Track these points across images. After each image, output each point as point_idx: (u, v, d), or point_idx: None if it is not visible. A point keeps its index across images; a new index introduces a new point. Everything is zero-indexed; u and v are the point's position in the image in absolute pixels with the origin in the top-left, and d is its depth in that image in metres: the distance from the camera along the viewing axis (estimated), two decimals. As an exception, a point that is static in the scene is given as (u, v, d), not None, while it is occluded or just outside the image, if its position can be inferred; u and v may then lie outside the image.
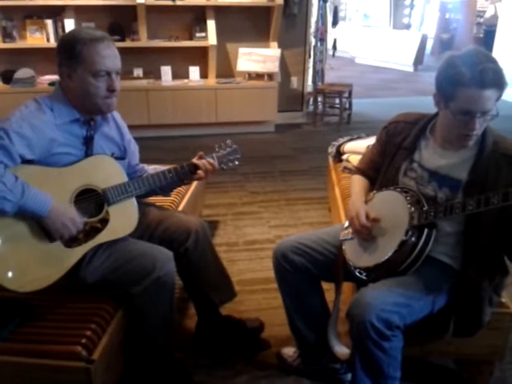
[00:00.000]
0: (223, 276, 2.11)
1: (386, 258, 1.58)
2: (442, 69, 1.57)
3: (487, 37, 9.75)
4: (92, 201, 1.72)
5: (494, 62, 1.49)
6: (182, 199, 2.70)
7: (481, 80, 1.46)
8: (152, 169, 2.23)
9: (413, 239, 1.57)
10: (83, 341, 1.55)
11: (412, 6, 12.78)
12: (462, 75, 1.48)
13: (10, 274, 1.55)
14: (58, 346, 1.54)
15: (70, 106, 1.72)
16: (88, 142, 1.76)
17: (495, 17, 9.53)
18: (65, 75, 1.69)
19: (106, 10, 5.08)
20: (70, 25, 4.91)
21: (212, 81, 5.45)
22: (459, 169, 1.62)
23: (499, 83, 1.48)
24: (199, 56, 5.40)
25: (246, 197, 3.85)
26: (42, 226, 1.61)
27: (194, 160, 1.93)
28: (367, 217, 1.71)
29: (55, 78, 4.84)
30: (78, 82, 1.67)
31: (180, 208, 2.61)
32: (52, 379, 1.56)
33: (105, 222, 1.73)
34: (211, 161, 1.94)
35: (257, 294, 2.53)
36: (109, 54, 1.68)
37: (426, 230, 1.57)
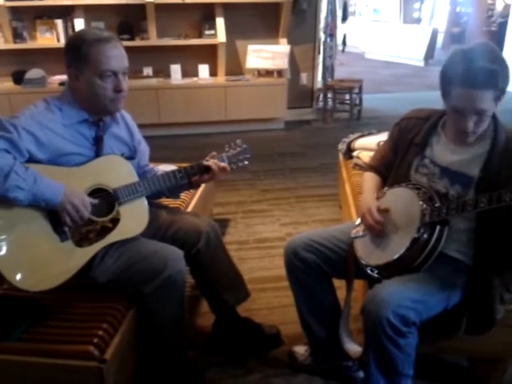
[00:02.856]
0: (236, 276, 2.11)
1: (398, 255, 1.57)
2: (444, 64, 1.57)
3: (501, 29, 9.64)
4: (103, 200, 1.72)
5: (493, 61, 1.46)
6: (192, 198, 2.70)
7: (470, 81, 1.45)
8: (162, 166, 2.25)
9: (425, 236, 1.55)
10: (95, 340, 1.55)
11: (422, 0, 12.67)
12: (455, 74, 1.49)
13: (21, 274, 1.56)
14: (70, 346, 1.54)
15: (78, 106, 1.72)
16: (98, 143, 1.77)
17: (507, 8, 9.41)
18: (72, 76, 1.70)
19: (115, 9, 5.09)
20: (79, 24, 4.94)
21: (221, 78, 5.45)
22: (471, 165, 1.60)
23: (492, 84, 1.46)
24: (208, 54, 5.40)
25: (256, 195, 3.84)
26: (52, 225, 1.62)
27: (205, 161, 1.92)
28: (378, 210, 1.70)
29: (66, 78, 4.85)
30: (85, 83, 1.68)
31: (190, 206, 2.61)
32: (64, 379, 1.56)
33: (116, 221, 1.73)
34: (222, 164, 1.93)
35: (268, 293, 2.53)
36: (115, 55, 1.67)
37: (438, 227, 1.56)
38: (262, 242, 3.09)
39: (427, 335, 1.63)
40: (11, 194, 1.49)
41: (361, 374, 1.90)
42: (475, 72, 1.45)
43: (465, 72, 1.46)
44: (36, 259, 1.59)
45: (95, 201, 1.68)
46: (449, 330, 1.69)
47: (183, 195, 2.56)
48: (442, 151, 1.68)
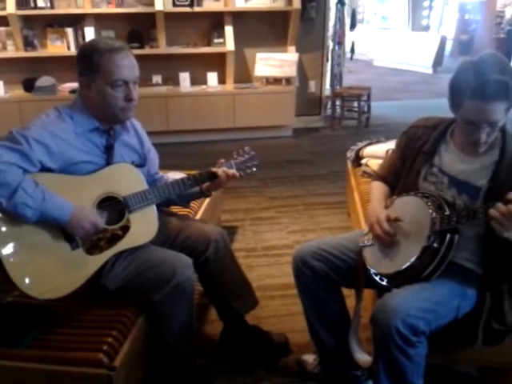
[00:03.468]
0: (245, 284, 2.11)
1: (408, 264, 1.56)
2: (453, 75, 1.58)
3: (509, 36, 9.63)
4: (113, 208, 1.73)
5: (503, 72, 1.47)
6: (200, 205, 2.71)
7: (483, 93, 1.46)
8: (171, 174, 2.26)
9: (435, 245, 1.55)
10: (105, 347, 1.56)
11: (431, 8, 12.68)
12: (466, 86, 1.50)
13: (32, 282, 1.57)
14: (79, 353, 1.55)
15: (89, 114, 1.74)
16: (108, 151, 1.78)
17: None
18: (84, 85, 1.72)
19: (125, 18, 5.14)
20: (90, 33, 4.99)
21: (230, 86, 5.48)
22: (479, 175, 1.60)
23: (504, 95, 1.46)
24: (217, 62, 5.43)
25: (264, 202, 3.84)
26: (63, 234, 1.63)
27: (213, 168, 1.93)
28: (388, 219, 1.70)
29: (76, 85, 4.90)
30: (97, 91, 1.69)
31: (199, 214, 2.62)
32: (74, 386, 1.57)
33: (126, 229, 1.74)
34: (231, 172, 1.94)
35: (276, 300, 2.52)
36: (126, 64, 1.69)
37: (448, 236, 1.55)
38: (270, 249, 3.08)
39: (438, 345, 1.62)
40: (19, 211, 1.50)
41: (370, 383, 1.89)
42: (487, 85, 1.45)
43: (477, 85, 1.46)
44: (47, 267, 1.60)
45: (104, 219, 1.70)
46: (463, 340, 1.68)
47: (192, 203, 2.57)
48: (451, 160, 1.68)
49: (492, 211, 1.41)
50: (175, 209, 2.20)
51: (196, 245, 1.94)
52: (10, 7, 4.75)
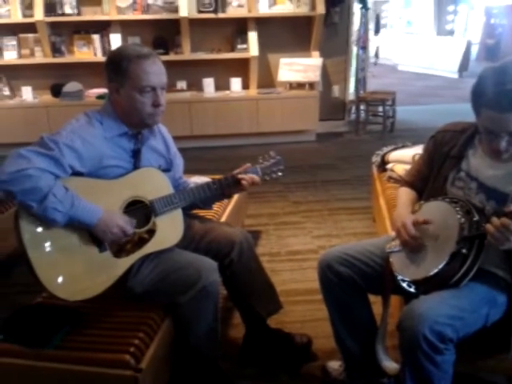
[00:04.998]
0: (269, 288, 2.10)
1: (436, 270, 1.54)
2: (475, 82, 1.55)
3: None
4: (140, 212, 1.75)
5: None
6: (224, 209, 2.72)
7: (498, 104, 1.44)
8: (195, 178, 2.27)
9: (464, 251, 1.52)
10: (131, 349, 1.57)
11: (456, 12, 12.55)
12: (484, 95, 1.48)
13: (60, 283, 1.59)
14: (106, 354, 1.57)
15: (118, 120, 1.76)
16: (136, 155, 1.81)
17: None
18: (113, 90, 1.75)
19: (150, 25, 5.21)
20: (116, 39, 5.07)
21: (253, 91, 5.50)
22: (507, 182, 1.57)
23: None
24: (241, 67, 5.46)
25: (288, 207, 3.84)
26: (92, 236, 1.65)
27: (237, 173, 1.94)
28: (416, 223, 1.67)
29: (102, 91, 4.99)
30: (125, 97, 1.72)
31: (223, 218, 2.63)
32: (100, 387, 1.59)
33: (152, 232, 1.76)
34: (256, 178, 1.95)
35: (300, 305, 2.51)
36: (154, 71, 1.71)
37: (477, 241, 1.52)
38: (294, 254, 3.07)
39: (467, 353, 1.59)
40: (49, 215, 1.53)
41: (396, 391, 1.87)
42: (503, 95, 1.43)
43: (494, 95, 1.44)
44: (75, 269, 1.63)
45: (134, 221, 1.71)
46: (494, 349, 1.65)
47: (216, 207, 2.58)
48: (479, 164, 1.66)
49: (488, 226, 1.41)
50: (199, 212, 2.21)
51: (220, 247, 1.95)
52: (39, 14, 4.87)
